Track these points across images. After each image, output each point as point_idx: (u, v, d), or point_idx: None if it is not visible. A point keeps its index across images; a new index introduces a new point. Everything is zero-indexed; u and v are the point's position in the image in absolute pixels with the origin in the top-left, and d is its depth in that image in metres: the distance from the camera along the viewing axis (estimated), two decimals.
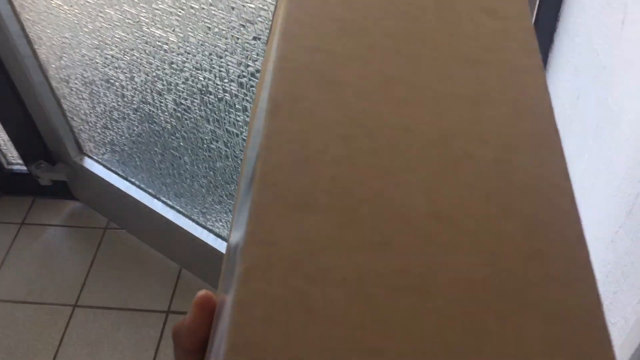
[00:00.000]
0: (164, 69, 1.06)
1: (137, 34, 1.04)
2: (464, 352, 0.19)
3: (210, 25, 0.91)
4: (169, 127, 1.18)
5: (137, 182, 1.44)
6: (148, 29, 1.01)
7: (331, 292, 0.20)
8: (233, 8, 0.85)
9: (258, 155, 0.24)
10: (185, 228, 1.37)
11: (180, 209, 1.39)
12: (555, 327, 0.20)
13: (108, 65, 1.15)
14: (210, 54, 0.96)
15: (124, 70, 1.14)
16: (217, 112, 1.05)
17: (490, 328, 0.20)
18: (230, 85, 0.98)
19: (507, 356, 0.19)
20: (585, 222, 0.62)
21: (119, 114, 1.26)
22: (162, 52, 1.03)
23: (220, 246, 1.35)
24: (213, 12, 0.88)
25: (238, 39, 0.89)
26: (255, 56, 0.90)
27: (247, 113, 1.01)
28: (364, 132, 0.25)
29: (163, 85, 1.09)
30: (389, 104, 0.26)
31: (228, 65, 0.95)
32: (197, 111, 1.09)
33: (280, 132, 0.24)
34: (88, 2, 1.04)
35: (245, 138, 1.05)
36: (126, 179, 1.46)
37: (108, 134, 1.35)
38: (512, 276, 0.21)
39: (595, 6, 0.61)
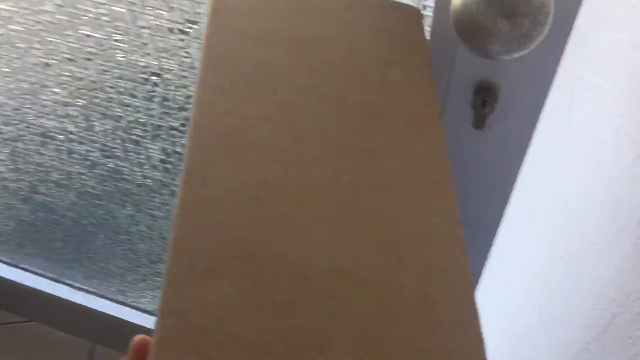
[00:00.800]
0: (62, 158, 0.90)
1: (20, 126, 0.86)
2: None
3: (122, 114, 0.78)
4: (72, 215, 1.02)
5: (32, 269, 1.25)
6: (35, 120, 0.84)
7: (238, 355, 0.21)
8: (153, 97, 0.73)
9: (173, 224, 0.24)
10: (98, 309, 1.22)
11: (92, 290, 1.23)
12: None
13: None
14: (124, 141, 0.82)
15: (5, 162, 0.95)
16: (136, 198, 0.92)
17: None
18: (152, 172, 0.85)
19: None
20: (559, 324, 0.61)
21: (1, 205, 1.07)
22: (56, 142, 0.87)
23: (142, 320, 1.22)
24: (127, 101, 0.75)
25: (160, 126, 0.77)
26: (182, 142, 0.78)
27: (175, 195, 0.89)
28: (272, 194, 0.26)
29: (61, 175, 0.93)
30: (296, 163, 0.27)
31: (149, 152, 0.82)
32: (110, 198, 0.94)
33: (194, 200, 0.25)
34: None
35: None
36: (17, 267, 1.26)
37: None
38: (404, 325, 0.22)
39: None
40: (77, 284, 1.23)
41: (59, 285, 1.25)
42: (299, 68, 0.30)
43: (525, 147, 0.46)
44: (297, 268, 0.23)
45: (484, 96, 0.42)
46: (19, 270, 1.26)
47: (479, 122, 0.44)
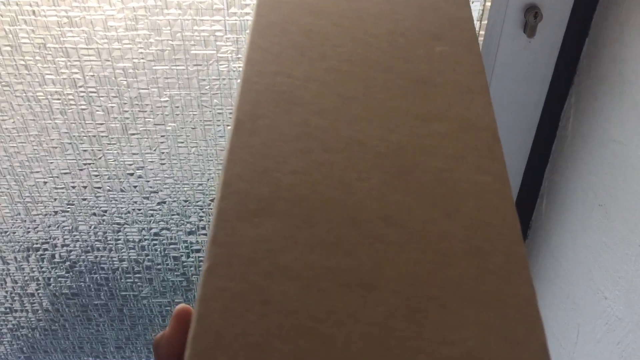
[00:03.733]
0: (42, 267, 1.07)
1: None
2: (406, 336, 0.21)
3: (106, 209, 1.00)
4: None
5: None
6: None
7: (286, 287, 0.22)
8: (135, 186, 0.98)
9: (222, 168, 0.25)
10: None
11: None
12: (491, 315, 0.21)
13: None
14: (105, 233, 1.04)
15: None
16: (109, 284, 1.11)
17: (431, 316, 0.21)
18: (128, 252, 1.07)
19: (445, 340, 0.21)
20: None
21: None
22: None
23: None
24: (112, 196, 0.98)
25: (140, 209, 1.01)
26: (160, 217, 1.03)
27: (149, 276, 1.10)
28: (320, 146, 0.26)
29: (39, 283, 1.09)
30: (344, 121, 0.28)
31: (126, 235, 1.04)
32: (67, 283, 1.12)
33: (243, 146, 0.26)
34: None
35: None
36: None
37: None
38: (453, 271, 0.23)
39: None
40: None
41: None
42: (347, 38, 0.32)
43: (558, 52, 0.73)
44: (346, 213, 0.24)
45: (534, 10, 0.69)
46: None
47: (531, 31, 0.69)
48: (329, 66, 0.30)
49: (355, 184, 0.25)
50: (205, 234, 1.04)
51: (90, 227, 1.03)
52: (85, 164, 0.94)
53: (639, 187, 0.63)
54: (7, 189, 0.95)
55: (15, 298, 1.11)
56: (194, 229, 1.03)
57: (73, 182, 0.96)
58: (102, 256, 1.07)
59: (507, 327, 0.21)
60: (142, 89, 0.86)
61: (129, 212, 1.01)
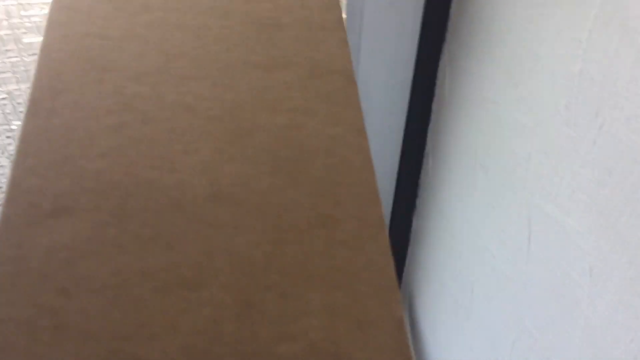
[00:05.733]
0: None
1: None
2: (237, 340, 0.18)
3: None
4: None
5: None
6: None
7: (86, 303, 0.18)
8: None
9: (11, 163, 0.22)
10: None
11: None
12: (339, 295, 0.19)
13: None
14: None
15: None
16: None
17: (268, 309, 0.19)
18: None
19: (285, 336, 0.18)
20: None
21: None
22: None
23: None
24: None
25: None
26: None
27: None
28: (138, 118, 0.23)
29: None
30: (168, 83, 0.24)
31: None
32: None
33: (39, 132, 0.22)
34: None
35: None
36: None
37: None
38: (297, 249, 0.20)
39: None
40: None
41: None
42: None
43: None
44: (168, 197, 0.21)
45: None
46: None
47: None
48: (151, 19, 0.26)
49: (180, 158, 0.22)
50: None
51: None
52: None
53: (515, 147, 0.62)
54: None
55: None
56: None
57: None
58: None
59: (358, 307, 0.19)
60: None
61: None
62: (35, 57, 0.73)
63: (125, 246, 0.20)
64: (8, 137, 0.80)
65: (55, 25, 0.26)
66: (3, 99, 0.76)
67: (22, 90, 0.76)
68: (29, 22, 0.70)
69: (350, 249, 0.20)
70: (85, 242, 0.20)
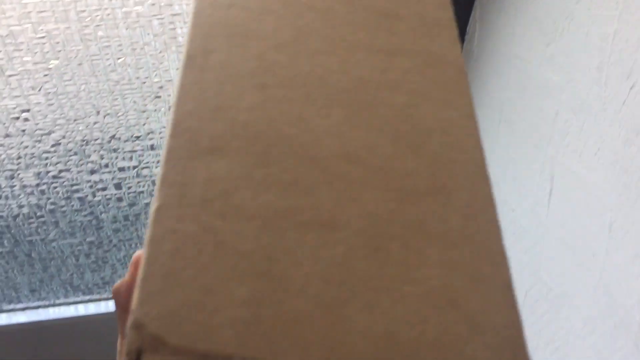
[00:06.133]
0: None
1: None
2: (368, 276, 0.20)
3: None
4: None
5: None
6: None
7: (241, 227, 0.20)
8: (24, 130, 0.89)
9: (172, 106, 0.24)
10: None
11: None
12: (454, 253, 0.21)
13: None
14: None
15: None
16: (12, 231, 1.05)
17: (393, 255, 0.20)
18: (27, 198, 1.00)
19: (408, 280, 0.20)
20: None
21: None
22: None
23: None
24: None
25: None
26: (57, 159, 0.95)
27: None
28: (278, 82, 0.25)
29: None
30: (302, 55, 0.26)
31: (22, 181, 0.97)
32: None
33: (194, 82, 0.24)
34: None
35: None
36: None
37: None
38: (417, 209, 0.22)
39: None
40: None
41: None
42: None
43: None
44: (304, 151, 0.23)
45: None
46: None
47: None
48: None
49: (315, 120, 0.24)
50: (109, 172, 0.99)
51: None
52: None
53: (542, 105, 0.63)
54: None
55: None
56: (96, 168, 0.97)
57: None
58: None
59: (470, 265, 0.21)
60: (14, 25, 0.76)
61: (20, 158, 0.94)
62: None
63: (270, 186, 0.22)
64: (45, 75, 0.82)
65: None
66: (42, 37, 0.78)
67: (61, 30, 0.78)
68: None
69: (463, 217, 0.22)
70: (236, 179, 0.22)
